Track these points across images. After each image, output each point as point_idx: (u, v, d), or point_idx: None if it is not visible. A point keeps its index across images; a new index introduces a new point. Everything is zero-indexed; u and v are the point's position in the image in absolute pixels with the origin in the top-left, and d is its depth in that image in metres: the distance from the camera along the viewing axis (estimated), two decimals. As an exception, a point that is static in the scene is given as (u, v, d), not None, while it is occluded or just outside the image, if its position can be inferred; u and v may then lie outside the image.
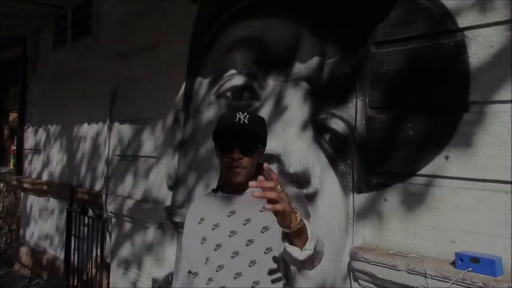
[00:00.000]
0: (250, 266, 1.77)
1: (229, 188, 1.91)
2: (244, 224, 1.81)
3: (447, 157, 2.45)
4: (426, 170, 2.53)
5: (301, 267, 1.95)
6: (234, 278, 1.75)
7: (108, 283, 5.31)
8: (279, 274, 1.79)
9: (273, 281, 1.77)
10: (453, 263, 2.30)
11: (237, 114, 1.82)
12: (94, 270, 5.37)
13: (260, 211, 1.67)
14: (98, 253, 5.31)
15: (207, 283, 1.80)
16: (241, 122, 1.80)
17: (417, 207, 2.57)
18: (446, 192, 2.46)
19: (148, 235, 4.70)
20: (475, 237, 2.33)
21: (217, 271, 1.79)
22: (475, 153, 2.35)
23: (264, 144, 1.94)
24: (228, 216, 1.85)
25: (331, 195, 3.01)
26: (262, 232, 1.79)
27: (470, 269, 2.20)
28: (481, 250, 2.29)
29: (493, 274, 2.13)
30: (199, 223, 1.91)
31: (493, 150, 2.29)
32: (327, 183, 3.04)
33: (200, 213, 1.94)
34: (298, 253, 1.53)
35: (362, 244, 2.81)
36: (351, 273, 2.82)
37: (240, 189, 1.88)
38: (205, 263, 1.83)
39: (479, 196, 2.33)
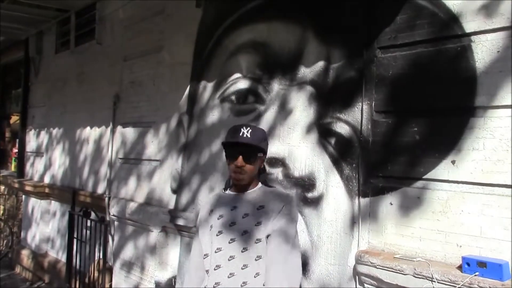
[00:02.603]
0: (242, 252, 2.13)
1: (235, 188, 2.32)
2: (243, 217, 2.19)
3: (453, 162, 2.45)
4: (432, 174, 2.54)
5: None
6: (228, 260, 2.13)
7: (110, 286, 5.30)
8: (263, 261, 2.13)
9: (259, 265, 2.12)
10: (460, 267, 2.31)
11: (241, 129, 2.21)
12: (96, 273, 5.37)
13: (257, 209, 2.18)
14: (101, 256, 5.31)
15: (210, 262, 2.18)
16: (244, 136, 2.20)
17: (423, 211, 2.58)
18: (452, 196, 2.46)
19: (151, 238, 4.70)
20: (482, 241, 2.33)
21: (215, 252, 2.17)
22: (482, 158, 2.36)
23: (265, 153, 2.33)
24: (232, 209, 2.24)
25: (336, 199, 3.01)
26: (255, 225, 2.16)
27: (477, 273, 2.21)
28: (488, 255, 2.29)
29: (500, 278, 2.14)
30: (209, 214, 2.30)
31: (500, 155, 2.29)
32: (332, 187, 3.05)
33: (211, 206, 2.34)
34: None
35: (367, 248, 2.82)
36: (357, 277, 2.83)
37: (243, 189, 2.29)
38: (211, 246, 2.21)
39: (485, 200, 2.34)
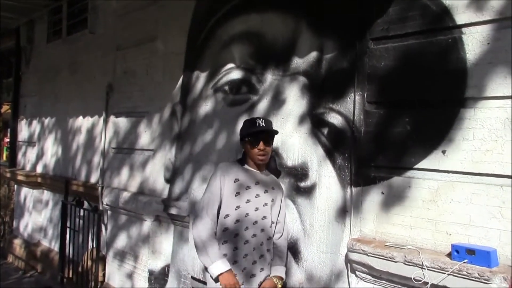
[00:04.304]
0: (262, 219, 2.97)
1: (253, 165, 3.02)
2: (264, 193, 3.00)
3: (443, 151, 2.50)
4: (423, 164, 2.58)
5: None
6: (253, 224, 2.93)
7: (104, 275, 5.34)
8: (273, 226, 3.05)
9: (272, 228, 3.04)
10: (449, 255, 2.36)
11: (257, 120, 2.96)
12: (89, 262, 5.39)
13: (272, 188, 3.06)
14: (94, 245, 5.33)
15: (235, 223, 2.89)
16: (261, 125, 2.93)
17: (414, 200, 2.63)
18: (442, 185, 2.51)
19: (144, 227, 4.73)
20: (471, 229, 2.38)
21: (245, 216, 2.90)
22: (471, 148, 2.40)
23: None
24: (256, 184, 2.98)
25: (329, 188, 3.05)
26: (272, 201, 3.02)
27: (465, 260, 2.26)
28: (477, 242, 2.35)
29: (489, 265, 2.19)
30: (234, 182, 2.92)
31: (489, 145, 2.34)
32: (325, 176, 3.08)
33: (234, 175, 2.94)
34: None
35: (359, 236, 2.86)
36: (349, 265, 2.88)
37: (260, 167, 3.05)
38: (235, 209, 2.89)
39: (474, 189, 2.39)
